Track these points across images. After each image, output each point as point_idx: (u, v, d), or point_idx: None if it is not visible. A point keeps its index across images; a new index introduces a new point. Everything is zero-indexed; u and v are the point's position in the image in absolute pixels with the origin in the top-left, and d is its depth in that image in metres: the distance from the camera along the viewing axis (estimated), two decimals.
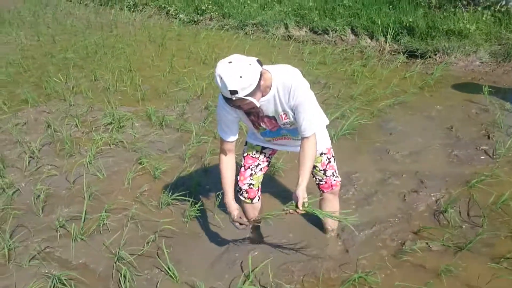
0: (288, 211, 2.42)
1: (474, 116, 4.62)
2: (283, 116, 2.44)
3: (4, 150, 4.64)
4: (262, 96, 2.33)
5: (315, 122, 2.42)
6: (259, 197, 2.93)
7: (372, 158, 4.02)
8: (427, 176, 3.66)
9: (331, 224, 3.05)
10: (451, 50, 6.23)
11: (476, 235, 2.84)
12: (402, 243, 2.93)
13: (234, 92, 2.09)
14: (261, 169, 2.85)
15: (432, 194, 3.41)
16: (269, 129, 2.60)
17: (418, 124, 4.57)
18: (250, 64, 2.11)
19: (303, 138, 2.45)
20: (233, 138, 2.59)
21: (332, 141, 4.20)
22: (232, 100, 2.15)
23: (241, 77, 2.06)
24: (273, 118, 2.49)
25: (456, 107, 4.87)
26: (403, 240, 2.96)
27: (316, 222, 3.15)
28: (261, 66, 2.22)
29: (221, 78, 2.08)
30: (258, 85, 2.16)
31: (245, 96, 2.12)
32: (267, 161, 2.88)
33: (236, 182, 2.77)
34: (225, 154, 2.64)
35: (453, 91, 5.36)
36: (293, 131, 2.61)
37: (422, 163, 3.87)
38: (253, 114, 2.43)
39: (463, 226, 3.03)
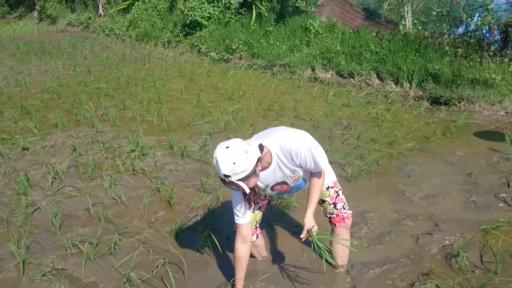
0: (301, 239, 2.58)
1: (495, 164, 4.56)
2: (292, 175, 2.56)
3: (31, 170, 4.81)
4: (265, 168, 2.45)
5: (322, 162, 2.52)
6: (257, 235, 2.97)
7: (388, 199, 4.00)
8: (443, 219, 3.60)
9: (341, 259, 3.03)
10: (475, 98, 6.21)
11: (488, 280, 2.77)
12: (411, 284, 2.88)
13: (227, 176, 2.20)
14: (259, 207, 2.90)
15: (446, 238, 3.35)
16: (282, 192, 2.73)
17: (438, 168, 4.54)
18: (246, 152, 2.20)
19: (312, 174, 2.58)
20: (248, 219, 2.65)
21: (349, 180, 4.28)
22: (225, 181, 2.25)
23: (234, 163, 2.17)
24: (283, 182, 2.60)
25: (478, 154, 4.82)
26: (412, 281, 2.90)
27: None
28: (262, 150, 2.32)
29: (217, 161, 2.20)
30: (253, 170, 2.25)
31: (237, 180, 2.22)
32: (267, 200, 2.93)
33: (233, 221, 2.80)
34: (242, 242, 2.68)
35: (475, 138, 5.31)
36: (301, 184, 2.72)
37: (438, 206, 3.82)
38: (249, 193, 2.45)
39: (476, 271, 2.96)
